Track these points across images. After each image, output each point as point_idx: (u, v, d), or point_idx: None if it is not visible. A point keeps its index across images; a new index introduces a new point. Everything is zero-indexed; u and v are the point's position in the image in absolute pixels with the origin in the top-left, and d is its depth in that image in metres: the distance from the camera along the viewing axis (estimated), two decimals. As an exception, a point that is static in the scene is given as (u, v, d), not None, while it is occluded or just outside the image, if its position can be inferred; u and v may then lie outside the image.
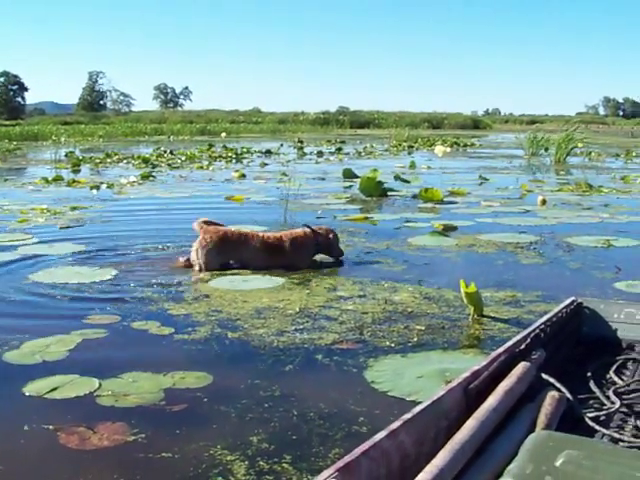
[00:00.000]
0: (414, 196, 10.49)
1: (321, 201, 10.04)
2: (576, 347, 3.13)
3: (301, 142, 31.52)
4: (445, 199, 10.19)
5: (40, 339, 3.75)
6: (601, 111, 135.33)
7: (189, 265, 5.52)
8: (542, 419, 2.11)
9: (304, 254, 5.71)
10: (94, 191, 11.61)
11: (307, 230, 5.78)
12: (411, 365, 3.39)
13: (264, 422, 2.75)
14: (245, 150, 24.66)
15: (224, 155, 22.28)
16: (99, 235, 7.07)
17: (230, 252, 5.57)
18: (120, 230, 7.38)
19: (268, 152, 24.17)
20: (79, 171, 16.34)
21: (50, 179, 13.29)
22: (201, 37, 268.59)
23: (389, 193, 10.88)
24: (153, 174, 14.67)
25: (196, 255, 5.48)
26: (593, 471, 1.61)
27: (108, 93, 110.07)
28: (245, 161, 20.05)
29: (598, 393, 2.52)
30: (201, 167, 17.31)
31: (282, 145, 29.70)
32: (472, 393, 2.16)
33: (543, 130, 26.79)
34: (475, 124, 73.36)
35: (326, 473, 1.54)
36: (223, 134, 42.57)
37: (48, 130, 41.42)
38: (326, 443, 2.57)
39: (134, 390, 3.08)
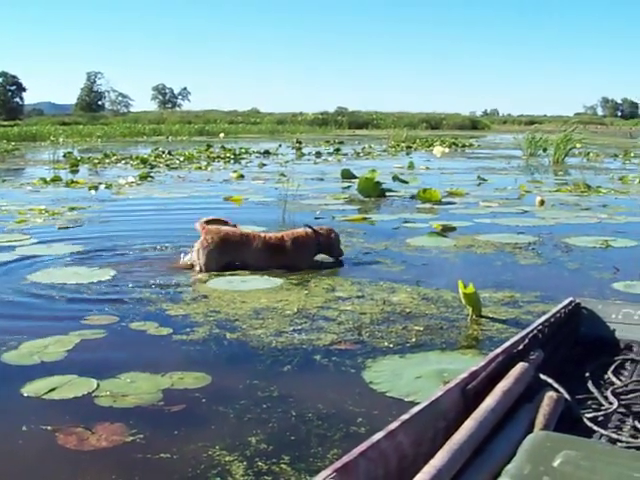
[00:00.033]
0: (412, 197, 10.49)
1: (319, 202, 10.04)
2: (574, 347, 3.13)
3: (299, 143, 31.53)
4: (443, 200, 10.20)
5: (38, 340, 3.75)
6: (599, 111, 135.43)
7: (191, 266, 5.52)
8: (540, 419, 2.11)
9: (306, 254, 5.71)
10: (92, 191, 11.61)
11: (308, 230, 5.78)
12: (409, 366, 3.40)
13: (262, 423, 2.75)
14: (243, 151, 24.66)
15: (222, 155, 22.29)
16: (97, 235, 7.06)
17: (231, 253, 5.56)
18: (118, 230, 7.38)
19: (266, 153, 24.17)
20: (77, 171, 16.33)
21: (48, 179, 13.28)
22: (199, 37, 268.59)
23: (387, 194, 10.88)
24: (151, 174, 14.68)
25: (197, 255, 5.48)
26: (591, 471, 1.62)
27: (106, 93, 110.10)
28: (243, 162, 20.05)
29: (596, 393, 2.52)
30: (199, 167, 17.31)
31: (280, 146, 29.72)
32: (470, 394, 2.16)
33: (541, 131, 26.77)
34: (473, 124, 73.42)
35: (324, 474, 1.54)
36: (221, 135, 42.66)
37: (46, 130, 41.41)
38: (324, 444, 2.57)
39: (132, 391, 3.08)
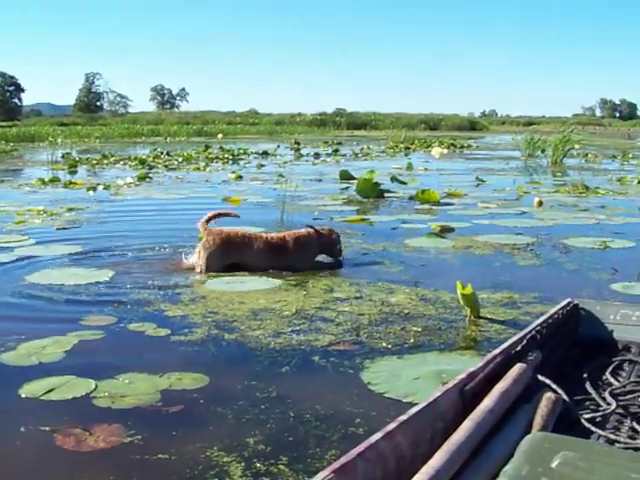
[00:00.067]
0: (411, 197, 10.49)
1: (318, 202, 10.04)
2: (572, 348, 3.13)
3: (298, 143, 31.55)
4: (442, 200, 10.21)
5: (36, 340, 3.74)
6: (598, 112, 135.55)
7: (193, 267, 5.51)
8: (538, 420, 2.11)
9: (308, 254, 5.72)
10: (91, 192, 11.60)
11: (310, 230, 5.78)
12: (407, 366, 3.40)
13: (261, 423, 2.75)
14: (242, 151, 24.66)
15: (221, 156, 22.30)
16: (96, 236, 7.06)
17: (233, 254, 5.55)
18: (117, 231, 7.38)
19: (265, 153, 24.17)
20: (76, 172, 16.34)
21: (47, 180, 13.28)
22: (198, 38, 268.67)
23: (386, 194, 10.88)
24: (150, 175, 14.68)
25: (199, 257, 5.47)
26: (589, 472, 1.62)
27: (105, 94, 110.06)
28: (242, 162, 20.05)
29: (594, 394, 2.52)
30: (198, 168, 17.30)
31: (279, 146, 29.73)
32: (468, 394, 2.16)
33: (540, 131, 26.84)
34: (472, 125, 73.51)
35: (322, 474, 1.54)
36: (220, 135, 42.66)
37: (45, 131, 41.41)
38: (322, 444, 2.57)
39: (130, 391, 3.08)
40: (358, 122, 67.46)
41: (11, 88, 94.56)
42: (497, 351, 2.45)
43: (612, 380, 2.71)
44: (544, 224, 7.97)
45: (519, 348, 2.52)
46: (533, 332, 2.70)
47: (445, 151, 26.07)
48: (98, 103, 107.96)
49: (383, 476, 1.72)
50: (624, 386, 2.61)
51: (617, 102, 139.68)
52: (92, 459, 2.50)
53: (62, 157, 20.94)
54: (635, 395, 2.51)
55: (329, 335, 3.85)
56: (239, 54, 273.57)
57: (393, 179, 12.79)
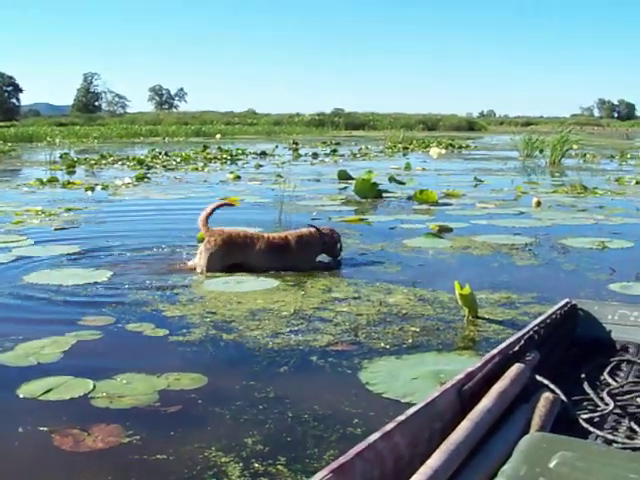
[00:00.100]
0: (409, 198, 10.50)
1: (316, 202, 10.04)
2: (570, 348, 3.13)
3: (296, 144, 31.55)
4: (440, 201, 10.21)
5: (35, 341, 3.74)
6: (596, 113, 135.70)
7: (195, 267, 5.50)
8: (536, 420, 2.11)
9: (310, 253, 5.72)
10: (89, 192, 11.60)
11: (312, 229, 5.79)
12: (406, 367, 3.40)
13: (259, 424, 2.75)
14: (240, 152, 24.64)
15: (219, 157, 22.30)
16: (94, 236, 7.05)
17: (235, 254, 5.54)
18: (115, 231, 7.37)
19: (263, 154, 24.17)
20: (74, 172, 16.32)
21: (45, 180, 13.27)
22: (196, 39, 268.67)
23: (384, 195, 10.88)
24: (148, 175, 14.67)
25: (200, 257, 5.46)
26: (587, 472, 1.62)
27: (103, 94, 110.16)
28: (240, 163, 20.05)
29: (592, 394, 2.53)
30: (196, 169, 17.30)
31: (277, 147, 29.74)
32: (466, 395, 2.17)
33: (538, 132, 26.87)
34: (470, 126, 73.57)
35: (320, 474, 1.54)
36: (218, 135, 42.65)
37: (43, 131, 41.42)
38: (321, 445, 2.57)
39: (128, 392, 3.08)
40: (356, 122, 67.52)
41: (9, 88, 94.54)
42: (495, 351, 2.45)
43: (610, 380, 2.71)
44: (542, 224, 7.98)
45: (517, 348, 2.52)
46: (531, 332, 2.70)
47: (443, 151, 26.08)
48: (96, 103, 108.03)
49: (381, 476, 1.72)
50: (622, 386, 2.61)
51: (615, 102, 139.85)
52: (90, 459, 2.50)
53: (60, 157, 20.92)
54: (633, 395, 2.51)
55: (327, 335, 3.85)
56: (237, 54, 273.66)
57: (391, 179, 12.79)
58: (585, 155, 23.12)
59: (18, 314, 4.35)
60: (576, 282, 5.14)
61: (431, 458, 1.72)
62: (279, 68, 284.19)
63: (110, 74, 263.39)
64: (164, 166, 18.07)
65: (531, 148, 22.35)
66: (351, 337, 3.83)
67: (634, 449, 2.10)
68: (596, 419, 2.33)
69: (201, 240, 6.30)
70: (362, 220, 8.35)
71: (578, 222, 8.20)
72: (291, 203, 9.51)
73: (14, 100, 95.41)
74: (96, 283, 5.04)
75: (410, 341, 3.78)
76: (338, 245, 5.85)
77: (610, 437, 2.20)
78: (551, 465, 1.64)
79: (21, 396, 3.05)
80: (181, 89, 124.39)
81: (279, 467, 2.41)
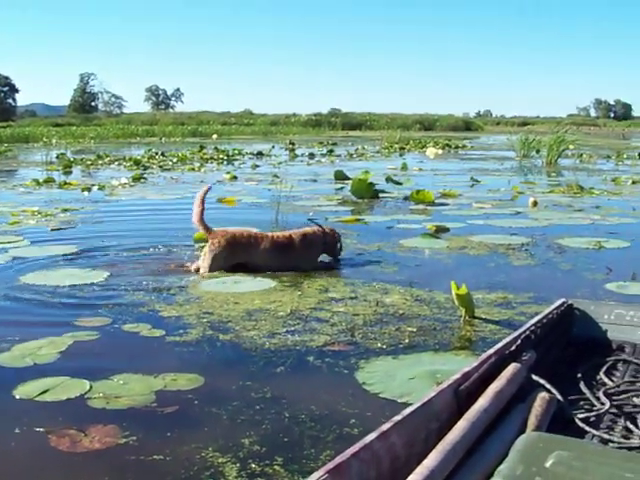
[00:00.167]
0: (405, 198, 10.50)
1: (313, 203, 10.04)
2: (566, 348, 3.13)
3: (293, 144, 31.57)
4: (436, 201, 10.21)
5: (31, 341, 3.73)
6: (592, 113, 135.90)
7: (198, 269, 5.49)
8: (532, 420, 2.11)
9: (313, 252, 5.73)
10: (85, 193, 11.58)
11: (316, 228, 5.80)
12: (402, 367, 3.40)
13: (255, 424, 2.75)
14: (237, 152, 24.65)
15: (215, 157, 22.30)
16: (90, 237, 7.05)
17: (239, 254, 5.53)
18: (111, 232, 7.37)
19: (260, 154, 24.17)
20: (70, 173, 16.30)
21: (41, 181, 13.25)
22: (193, 39, 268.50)
23: (381, 195, 10.88)
24: (144, 176, 14.65)
25: (204, 258, 5.46)
26: (583, 472, 1.62)
27: (99, 95, 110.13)
28: (236, 163, 20.05)
29: (588, 394, 2.53)
30: (192, 169, 17.29)
31: (274, 147, 29.75)
32: (463, 394, 2.17)
33: (534, 132, 26.87)
34: (467, 126, 73.61)
35: (316, 475, 1.54)
36: (214, 136, 42.65)
37: (39, 132, 41.37)
38: (317, 445, 2.57)
39: (125, 392, 3.08)
40: (353, 122, 67.54)
41: (5, 89, 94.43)
42: (491, 351, 2.45)
43: (606, 380, 2.72)
44: (539, 224, 7.98)
45: (513, 348, 2.52)
46: (527, 332, 2.71)
47: (440, 151, 26.08)
48: (93, 103, 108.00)
49: (377, 476, 1.72)
50: (618, 386, 2.62)
51: (612, 102, 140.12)
52: (87, 460, 2.50)
53: (57, 158, 20.91)
54: (629, 395, 2.52)
55: (324, 335, 3.85)
56: (234, 55, 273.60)
57: (388, 179, 12.80)
58: (581, 155, 23.15)
59: (14, 315, 4.34)
60: (572, 282, 5.15)
61: (427, 458, 1.73)
62: (276, 68, 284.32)
63: (107, 74, 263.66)
64: (161, 166, 18.06)
65: (528, 148, 22.36)
66: (348, 337, 3.83)
67: (630, 448, 2.11)
68: (592, 419, 2.34)
69: (198, 240, 6.32)
70: (359, 220, 8.35)
71: (574, 222, 8.21)
72: (288, 203, 9.51)
73: (10, 100, 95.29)
74: (93, 284, 5.04)
75: (407, 341, 3.78)
76: (338, 245, 5.86)
77: (606, 437, 2.20)
78: (547, 465, 1.65)
79: (17, 397, 3.04)
80: (177, 89, 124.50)
81: (276, 467, 2.41)
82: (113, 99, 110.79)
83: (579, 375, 2.72)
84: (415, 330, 3.96)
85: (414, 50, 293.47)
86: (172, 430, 2.71)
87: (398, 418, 1.88)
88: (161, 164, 18.82)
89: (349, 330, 3.95)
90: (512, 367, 2.37)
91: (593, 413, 2.36)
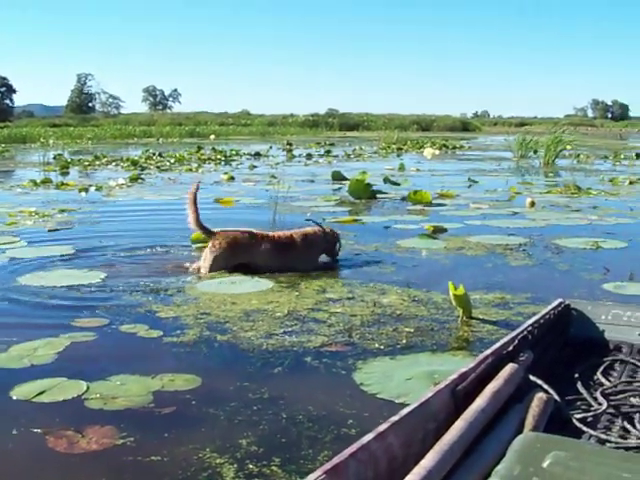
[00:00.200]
0: (403, 198, 10.50)
1: (310, 203, 10.04)
2: (564, 348, 3.13)
3: (290, 144, 31.56)
4: (434, 201, 10.22)
5: (28, 342, 3.73)
6: (590, 113, 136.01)
7: (198, 269, 5.49)
8: (530, 420, 2.11)
9: (314, 252, 5.74)
10: (83, 193, 11.58)
11: (317, 228, 5.81)
12: (400, 367, 3.40)
13: (253, 425, 2.75)
14: (234, 152, 24.64)
15: (213, 157, 22.29)
16: (88, 237, 7.04)
17: (240, 255, 5.53)
18: (109, 232, 7.37)
19: (257, 154, 24.17)
20: (68, 173, 16.30)
21: (38, 182, 13.24)
22: (190, 39, 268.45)
23: (378, 195, 10.89)
24: (142, 176, 14.64)
25: (204, 259, 5.45)
26: (580, 472, 1.62)
27: (97, 95, 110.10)
28: (234, 163, 20.04)
29: (585, 394, 2.53)
30: (190, 169, 17.28)
31: (271, 147, 29.75)
32: (460, 395, 2.17)
33: (532, 132, 26.89)
34: (464, 126, 73.69)
35: (314, 475, 1.54)
36: (212, 136, 42.62)
37: (36, 132, 41.30)
38: (315, 445, 2.57)
39: (122, 393, 3.08)
40: (350, 123, 67.56)
41: (3, 89, 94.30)
42: (489, 351, 2.45)
43: (603, 380, 2.72)
44: (536, 225, 7.99)
45: (511, 348, 2.52)
46: (525, 332, 2.71)
47: (437, 152, 26.12)
48: (90, 104, 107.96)
49: (375, 477, 1.72)
50: (615, 386, 2.62)
51: (609, 103, 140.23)
52: (84, 461, 2.49)
53: (54, 158, 20.87)
54: (626, 395, 2.52)
55: (321, 336, 3.85)
56: (231, 55, 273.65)
57: (385, 180, 12.80)
58: (579, 155, 23.17)
59: (11, 316, 4.34)
60: (570, 282, 5.15)
61: (425, 458, 1.73)
62: (273, 69, 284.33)
63: (104, 75, 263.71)
64: (158, 167, 18.04)
65: (525, 149, 22.37)
66: (345, 338, 3.83)
67: (627, 448, 2.11)
68: (589, 419, 2.34)
69: (195, 240, 6.32)
70: (356, 221, 8.35)
71: (572, 222, 8.22)
72: (285, 204, 9.50)
73: (7, 101, 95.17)
74: (90, 284, 5.03)
75: (404, 342, 3.78)
76: (337, 245, 5.87)
77: (603, 437, 2.20)
78: (544, 465, 1.65)
79: (15, 398, 3.04)
80: (175, 90, 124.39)
81: (273, 468, 2.41)
82: (110, 100, 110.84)
83: (576, 375, 2.72)
84: (412, 331, 3.96)
85: (411, 50, 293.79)
86: (169, 431, 2.71)
87: (395, 418, 1.88)
88: (158, 165, 18.80)
89: (346, 331, 3.95)
90: (509, 367, 2.38)
91: (590, 413, 2.36)
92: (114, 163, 19.26)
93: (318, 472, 1.55)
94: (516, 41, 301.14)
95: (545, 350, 2.89)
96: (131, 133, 46.30)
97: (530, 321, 2.88)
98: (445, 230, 7.48)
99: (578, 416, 2.32)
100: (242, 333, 3.90)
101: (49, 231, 7.55)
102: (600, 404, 2.43)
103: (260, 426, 2.74)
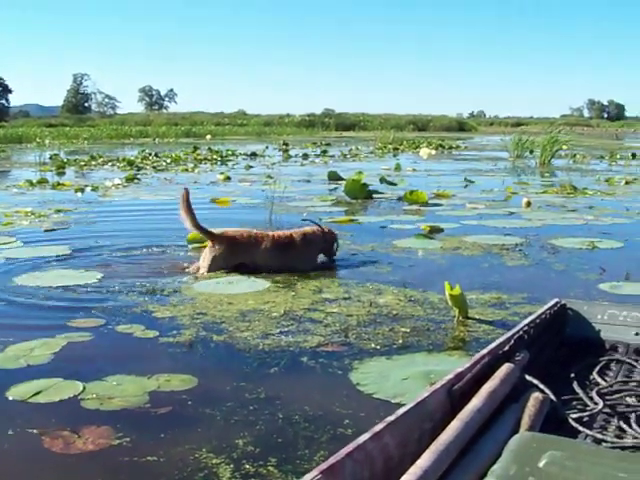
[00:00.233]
0: (399, 198, 10.51)
1: (306, 203, 10.04)
2: (560, 348, 3.14)
3: (286, 144, 31.56)
4: (430, 201, 10.22)
5: (24, 343, 3.73)
6: (586, 113, 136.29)
7: (197, 269, 5.49)
8: (526, 420, 2.12)
9: (313, 251, 5.74)
10: (79, 194, 11.56)
11: (316, 227, 5.81)
12: (396, 367, 3.40)
13: (249, 425, 2.75)
14: (230, 152, 24.63)
15: (209, 157, 22.28)
16: (84, 237, 7.03)
17: (240, 255, 5.53)
18: (105, 232, 7.35)
19: (253, 154, 24.16)
20: (64, 174, 16.28)
21: (34, 182, 13.22)
22: (186, 39, 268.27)
23: (374, 195, 10.89)
24: (138, 177, 14.62)
25: (204, 259, 5.45)
26: (576, 472, 1.62)
27: (93, 95, 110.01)
28: (230, 163, 20.02)
29: (581, 394, 2.53)
30: (186, 169, 17.27)
31: (267, 147, 29.73)
32: (456, 394, 2.17)
33: (528, 132, 26.91)
34: (460, 126, 73.74)
35: (310, 475, 1.54)
36: (208, 136, 42.53)
37: (32, 132, 41.22)
38: (311, 446, 2.57)
39: (119, 393, 3.07)
40: (347, 123, 67.56)
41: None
42: (485, 351, 2.45)
43: (599, 380, 2.72)
44: (532, 225, 8.00)
45: (507, 348, 2.53)
46: (521, 332, 2.71)
47: (433, 152, 26.07)
48: (86, 104, 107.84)
49: (371, 477, 1.72)
50: (611, 386, 2.62)
51: (605, 103, 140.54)
52: (81, 461, 2.49)
53: (50, 158, 20.86)
54: (622, 394, 2.52)
55: (318, 336, 3.85)
56: (227, 55, 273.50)
57: (382, 180, 12.80)
58: (575, 155, 23.20)
59: (7, 316, 4.33)
60: (566, 282, 5.16)
61: (421, 458, 1.73)
62: (269, 69, 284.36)
63: (100, 75, 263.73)
64: (154, 167, 18.02)
65: (521, 149, 22.39)
66: (341, 338, 3.83)
67: (623, 448, 2.11)
68: (585, 418, 2.34)
69: (191, 241, 6.32)
70: (352, 221, 8.35)
71: (568, 222, 8.23)
72: (281, 204, 9.50)
73: (3, 101, 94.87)
74: (86, 284, 5.03)
75: (400, 342, 3.78)
76: (335, 245, 5.87)
77: (599, 436, 2.21)
78: (540, 464, 1.65)
79: (10, 398, 3.04)
80: (171, 90, 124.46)
81: (270, 468, 2.41)
82: (106, 100, 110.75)
83: (572, 375, 2.72)
84: (409, 331, 3.97)
85: (407, 50, 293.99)
86: (166, 431, 2.71)
87: (392, 418, 1.88)
88: (154, 165, 18.79)
89: (343, 331, 3.95)
90: (505, 367, 2.38)
91: (586, 413, 2.37)
92: (110, 163, 19.25)
93: (314, 472, 1.55)
94: (512, 41, 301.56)
95: (541, 350, 2.89)
96: (127, 133, 46.26)
97: (526, 321, 2.88)
98: (441, 230, 7.48)
99: (574, 416, 2.32)
100: (238, 333, 3.90)
101: (45, 231, 7.54)
102: (596, 404, 2.43)
103: (256, 426, 2.74)
